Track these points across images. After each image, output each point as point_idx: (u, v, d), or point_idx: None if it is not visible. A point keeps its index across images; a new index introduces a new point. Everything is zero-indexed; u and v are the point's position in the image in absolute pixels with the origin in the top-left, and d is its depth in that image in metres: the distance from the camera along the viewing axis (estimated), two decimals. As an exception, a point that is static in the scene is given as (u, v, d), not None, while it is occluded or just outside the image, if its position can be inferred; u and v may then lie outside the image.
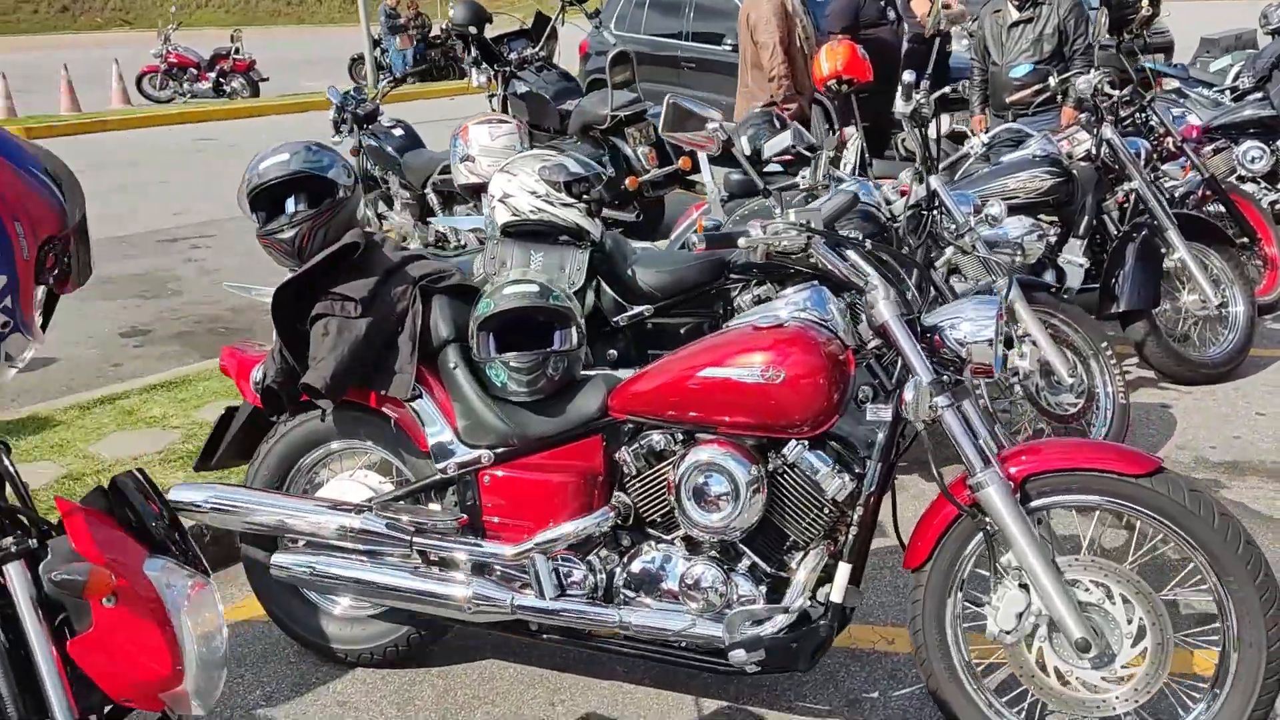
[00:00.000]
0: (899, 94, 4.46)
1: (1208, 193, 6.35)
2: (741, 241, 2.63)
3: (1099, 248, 5.56)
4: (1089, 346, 4.53)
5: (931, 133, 5.70)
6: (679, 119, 3.37)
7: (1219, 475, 4.45)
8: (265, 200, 3.29)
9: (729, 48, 10.40)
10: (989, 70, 7.32)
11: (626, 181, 8.40)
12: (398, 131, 7.66)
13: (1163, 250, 5.34)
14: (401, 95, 18.29)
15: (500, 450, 3.03)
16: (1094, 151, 5.38)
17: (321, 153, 3.34)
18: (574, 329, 3.10)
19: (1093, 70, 5.84)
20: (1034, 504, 2.71)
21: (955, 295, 4.48)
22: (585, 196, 4.26)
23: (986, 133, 5.83)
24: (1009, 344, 4.36)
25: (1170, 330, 5.46)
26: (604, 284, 4.42)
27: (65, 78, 19.10)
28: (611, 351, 4.37)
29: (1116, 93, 5.48)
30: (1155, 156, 6.42)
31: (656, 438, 2.92)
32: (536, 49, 9.69)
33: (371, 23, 21.55)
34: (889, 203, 4.48)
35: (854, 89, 6.44)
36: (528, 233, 4.25)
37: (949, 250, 4.46)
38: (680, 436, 2.90)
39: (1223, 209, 6.37)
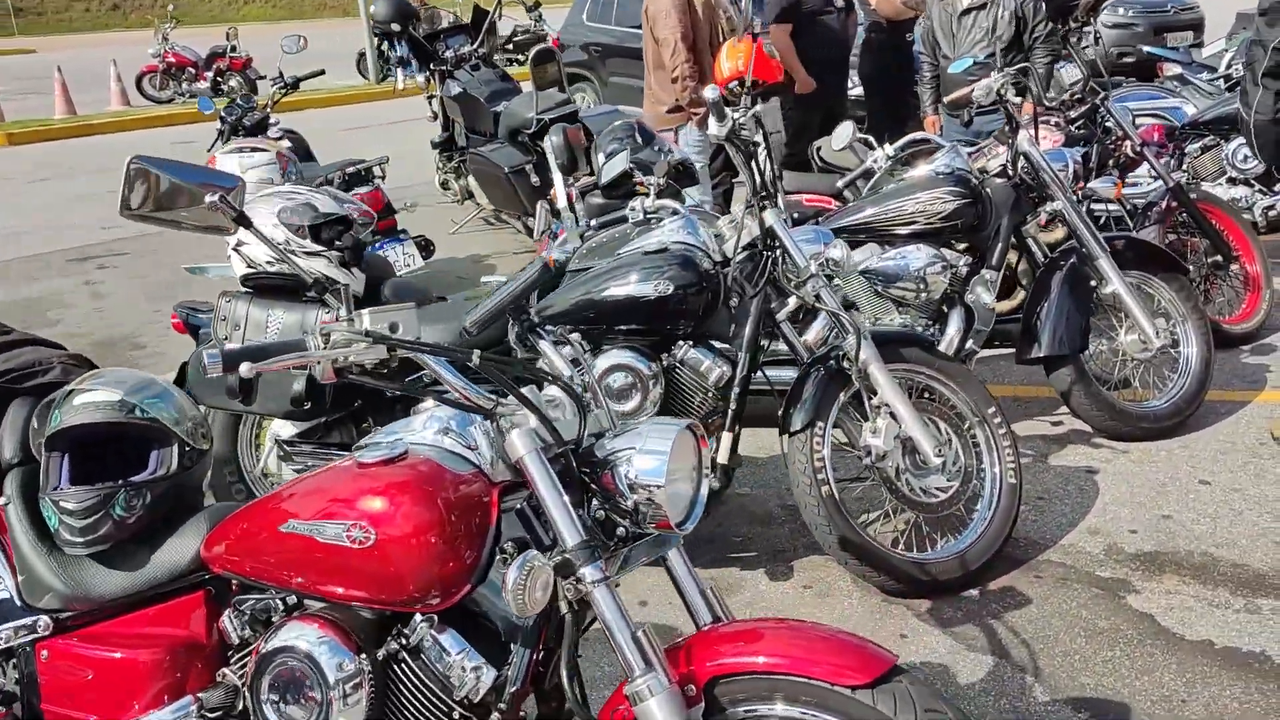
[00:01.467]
0: (711, 115, 3.65)
1: (1173, 204, 5.45)
2: (251, 365, 1.83)
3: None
4: (973, 412, 3.70)
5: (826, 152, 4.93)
6: (148, 190, 2.50)
7: (1130, 572, 3.61)
8: None
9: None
10: (939, 65, 6.47)
11: (550, 193, 7.65)
12: (284, 144, 6.93)
13: (1093, 283, 4.48)
14: (327, 98, 17.67)
15: (64, 615, 2.30)
16: (1009, 166, 4.52)
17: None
18: (174, 448, 2.35)
19: (997, 71, 4.96)
20: (723, 716, 1.93)
21: (810, 354, 3.69)
22: (337, 243, 3.52)
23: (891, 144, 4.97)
24: (863, 416, 3.60)
25: (1106, 376, 4.60)
26: (376, 346, 3.66)
27: (59, 79, 18.67)
28: (378, 431, 3.62)
29: (1016, 99, 4.58)
30: (1113, 164, 5.56)
31: (259, 600, 2.18)
32: (475, 46, 8.95)
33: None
34: (721, 240, 3.69)
35: (760, 92, 5.65)
36: (268, 287, 3.52)
37: (792, 300, 3.65)
38: (289, 601, 2.15)
39: (1192, 222, 5.49)
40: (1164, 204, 5.45)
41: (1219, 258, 5.51)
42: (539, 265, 2.31)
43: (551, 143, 4.80)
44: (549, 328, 2.37)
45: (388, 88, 9.94)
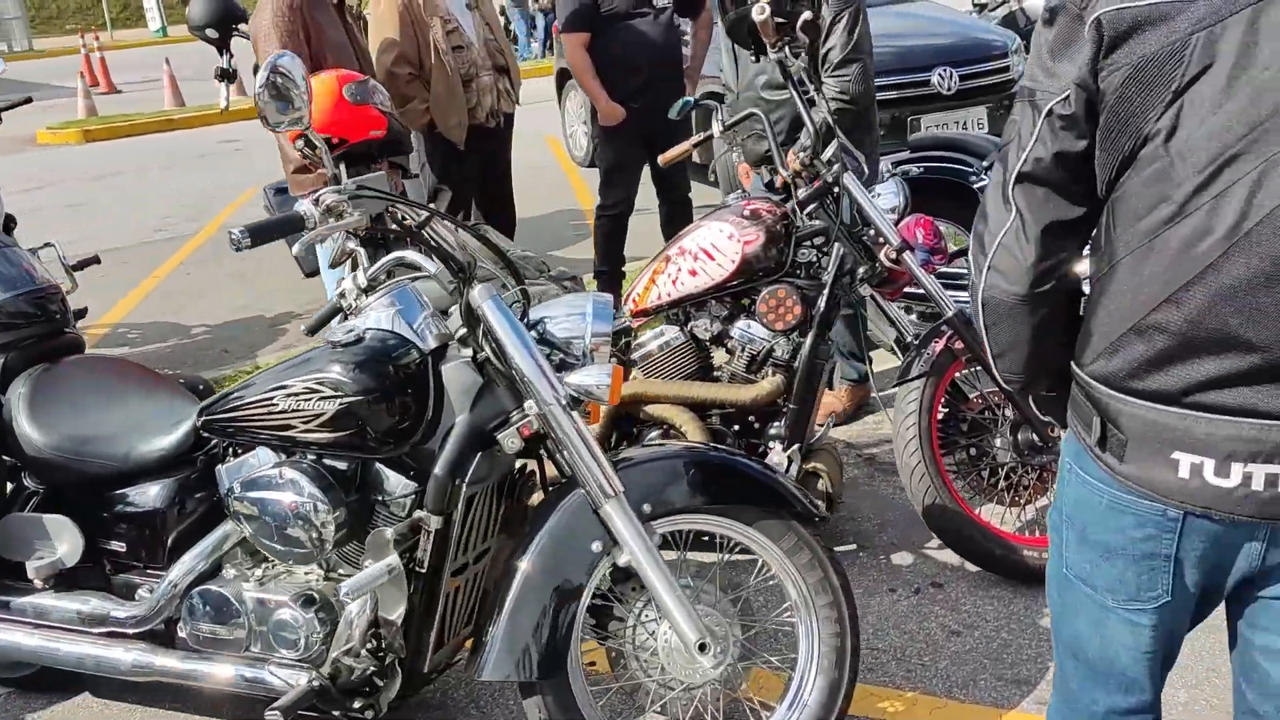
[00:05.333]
0: None
1: (956, 345, 3.31)
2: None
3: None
4: None
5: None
6: None
7: None
8: None
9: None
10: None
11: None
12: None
13: (597, 545, 2.48)
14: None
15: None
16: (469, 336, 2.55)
17: None
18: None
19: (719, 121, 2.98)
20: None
21: None
22: None
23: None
24: None
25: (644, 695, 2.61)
26: None
27: (167, 71, 18.22)
28: None
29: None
30: (864, 274, 3.50)
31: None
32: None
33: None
34: None
35: (341, 155, 3.85)
36: None
37: None
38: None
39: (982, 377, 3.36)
40: (939, 345, 3.30)
41: (1034, 436, 3.32)
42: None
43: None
44: None
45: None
